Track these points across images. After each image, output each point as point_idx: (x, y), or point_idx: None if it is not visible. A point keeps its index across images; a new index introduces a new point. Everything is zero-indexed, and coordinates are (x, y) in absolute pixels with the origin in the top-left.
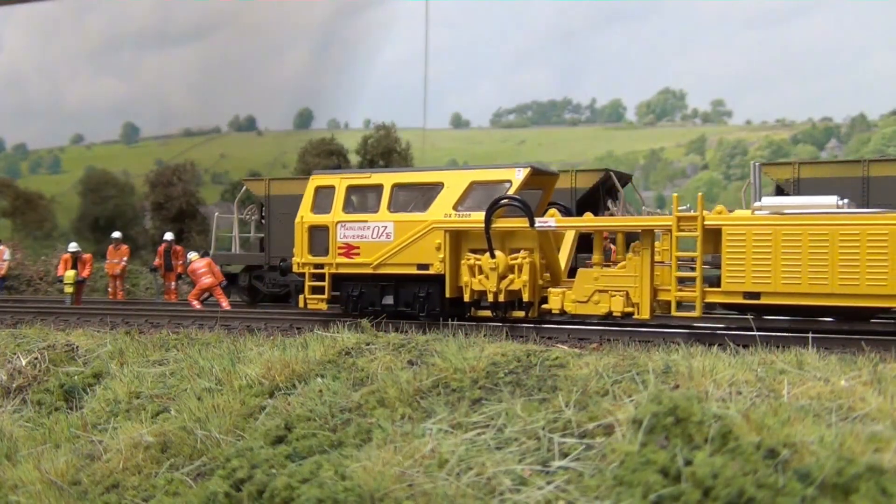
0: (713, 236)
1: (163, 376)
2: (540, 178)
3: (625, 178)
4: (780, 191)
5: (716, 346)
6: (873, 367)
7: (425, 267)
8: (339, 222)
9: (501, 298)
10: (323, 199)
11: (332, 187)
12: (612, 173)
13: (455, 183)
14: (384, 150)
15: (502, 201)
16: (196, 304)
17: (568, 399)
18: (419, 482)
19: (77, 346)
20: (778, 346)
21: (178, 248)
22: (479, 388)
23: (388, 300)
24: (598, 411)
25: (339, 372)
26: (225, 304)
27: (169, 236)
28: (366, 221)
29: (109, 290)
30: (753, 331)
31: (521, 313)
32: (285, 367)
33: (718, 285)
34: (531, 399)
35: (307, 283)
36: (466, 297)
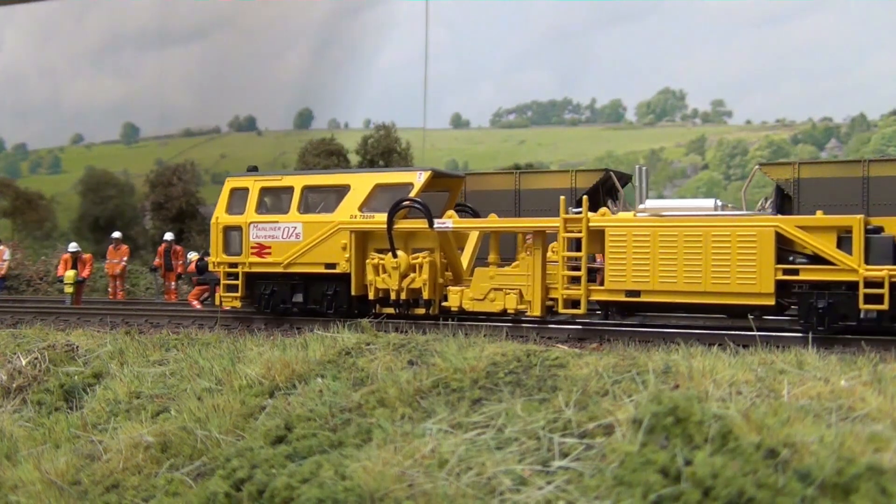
0: (600, 237)
1: (163, 376)
2: (445, 180)
3: (625, 178)
4: (780, 191)
5: (716, 346)
6: (873, 367)
7: (332, 266)
8: (251, 223)
9: (403, 296)
10: (237, 200)
11: (247, 189)
12: (612, 173)
13: (360, 185)
14: (384, 150)
15: (403, 203)
16: (196, 304)
17: (568, 399)
18: (419, 482)
19: (77, 346)
20: (778, 346)
21: (178, 248)
22: (479, 388)
23: (298, 298)
24: (598, 411)
25: (339, 372)
26: None
27: (169, 236)
28: (277, 222)
29: (109, 290)
30: (753, 331)
31: (422, 310)
32: (285, 367)
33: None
34: (531, 399)
35: (222, 282)
36: (371, 295)
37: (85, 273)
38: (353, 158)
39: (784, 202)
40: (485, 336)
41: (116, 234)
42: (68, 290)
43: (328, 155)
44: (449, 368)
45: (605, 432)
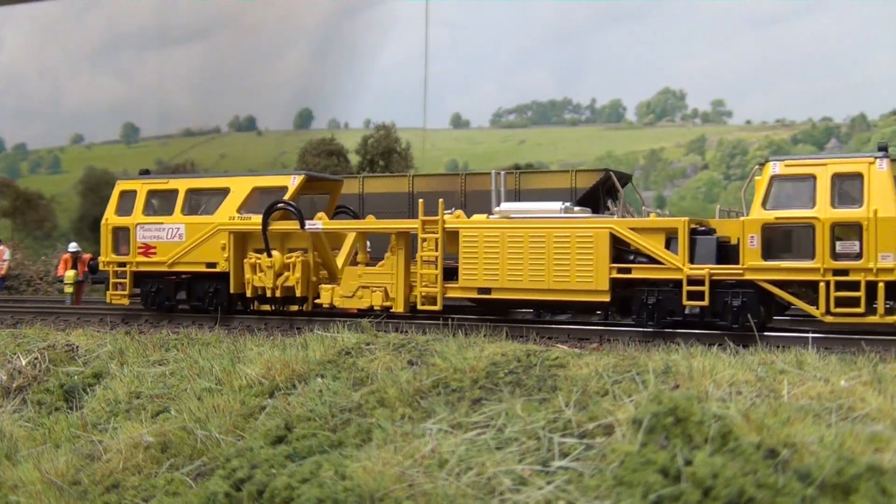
0: (456, 238)
1: (163, 376)
2: (322, 184)
3: (625, 178)
4: None
5: (716, 346)
6: (873, 367)
7: (213, 265)
8: (138, 224)
9: (278, 294)
10: (126, 202)
11: (135, 191)
12: (612, 173)
13: (239, 188)
14: (384, 150)
15: (277, 205)
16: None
17: (568, 399)
18: (419, 482)
19: (77, 346)
20: (778, 346)
21: None
22: (479, 388)
23: (182, 295)
24: (598, 411)
25: (339, 372)
26: None
27: None
28: (161, 223)
29: None
30: (753, 331)
31: (296, 307)
32: (285, 367)
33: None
34: (531, 399)
35: (111, 280)
36: (248, 293)
37: None
38: (354, 158)
39: None
40: (485, 336)
41: None
42: (68, 290)
43: (328, 155)
44: (449, 368)
45: (605, 432)
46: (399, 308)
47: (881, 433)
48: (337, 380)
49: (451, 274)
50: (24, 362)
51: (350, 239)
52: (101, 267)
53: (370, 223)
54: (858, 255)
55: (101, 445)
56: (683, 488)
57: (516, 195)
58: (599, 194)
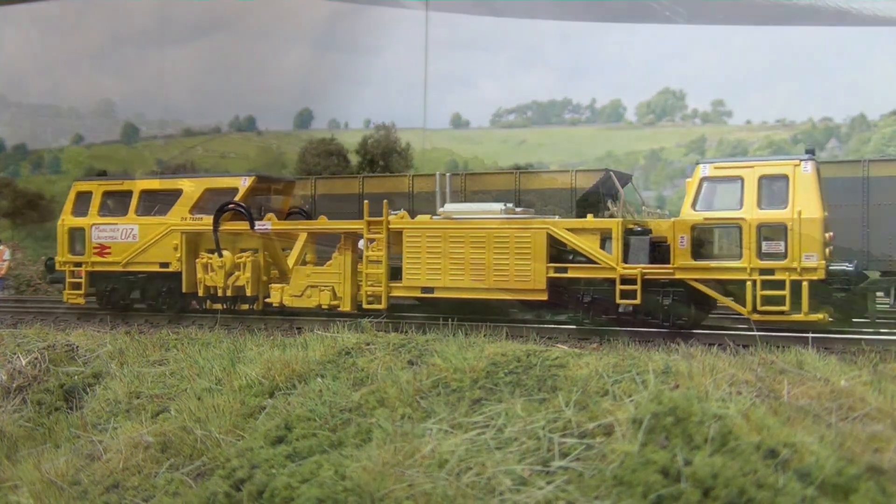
0: (400, 238)
1: (163, 376)
2: (274, 184)
3: (625, 178)
4: None
5: (716, 346)
6: (873, 367)
7: (166, 265)
8: (93, 224)
9: (229, 293)
10: (82, 203)
11: (91, 192)
12: (612, 173)
13: (191, 189)
14: (384, 150)
15: (227, 206)
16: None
17: (568, 399)
18: (419, 482)
19: (77, 346)
20: (778, 346)
21: None
22: (479, 388)
23: (137, 295)
24: (598, 411)
25: (339, 372)
26: None
27: None
28: (116, 224)
29: None
30: (753, 331)
31: (247, 306)
32: (285, 367)
33: None
34: (531, 399)
35: (67, 280)
36: (200, 292)
37: None
38: (354, 158)
39: None
40: (485, 336)
41: None
42: None
43: (328, 155)
44: (449, 368)
45: (605, 432)
46: (346, 307)
47: (881, 433)
48: (337, 380)
49: (397, 273)
50: (24, 362)
51: (301, 239)
52: (57, 267)
53: (318, 223)
54: (784, 255)
55: (101, 445)
56: (683, 488)
57: (517, 195)
58: (599, 194)
